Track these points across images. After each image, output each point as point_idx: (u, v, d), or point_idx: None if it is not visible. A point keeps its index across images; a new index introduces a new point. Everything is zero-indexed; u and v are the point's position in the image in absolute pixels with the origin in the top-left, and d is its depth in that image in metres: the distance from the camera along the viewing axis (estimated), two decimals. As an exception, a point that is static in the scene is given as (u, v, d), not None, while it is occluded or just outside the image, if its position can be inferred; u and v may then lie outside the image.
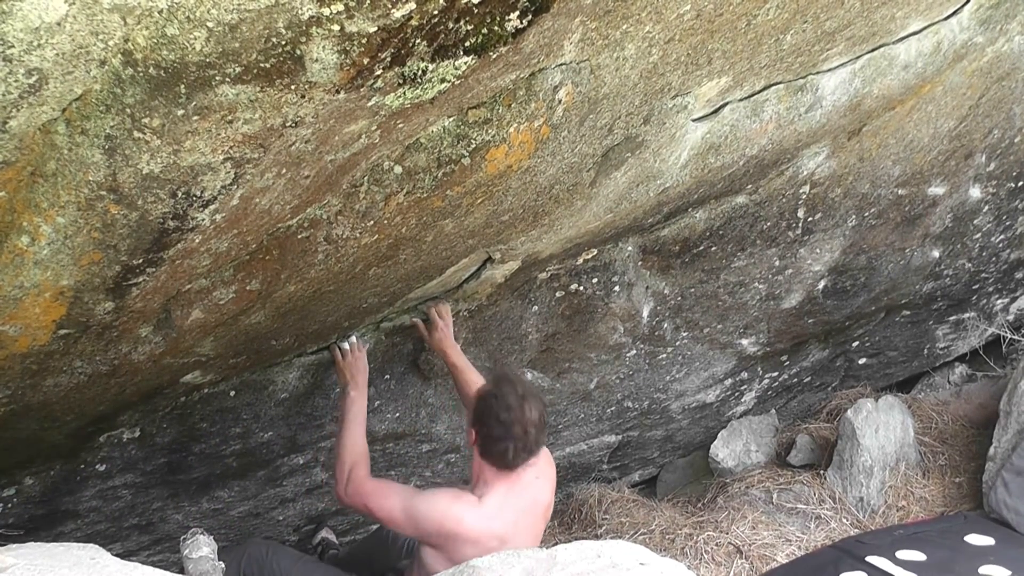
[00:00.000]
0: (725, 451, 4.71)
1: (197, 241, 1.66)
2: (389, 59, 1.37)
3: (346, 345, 2.79)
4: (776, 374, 4.51)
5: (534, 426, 2.38)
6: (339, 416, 2.72)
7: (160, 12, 1.16)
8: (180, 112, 1.29)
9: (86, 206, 1.42)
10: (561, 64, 1.83)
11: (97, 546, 1.67)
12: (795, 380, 4.67)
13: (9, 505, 2.69)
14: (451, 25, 1.39)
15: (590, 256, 3.20)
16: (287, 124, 1.41)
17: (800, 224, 3.45)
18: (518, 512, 2.50)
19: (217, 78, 1.25)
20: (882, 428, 4.40)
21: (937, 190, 3.66)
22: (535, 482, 2.52)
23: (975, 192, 3.81)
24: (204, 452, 2.96)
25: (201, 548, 2.39)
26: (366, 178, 1.89)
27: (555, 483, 2.67)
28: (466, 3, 1.35)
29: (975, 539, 3.65)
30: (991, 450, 4.09)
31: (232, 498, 3.32)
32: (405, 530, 2.53)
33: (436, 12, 1.32)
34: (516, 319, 3.25)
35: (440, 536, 2.44)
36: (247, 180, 1.53)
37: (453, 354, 2.90)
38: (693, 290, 3.54)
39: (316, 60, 1.28)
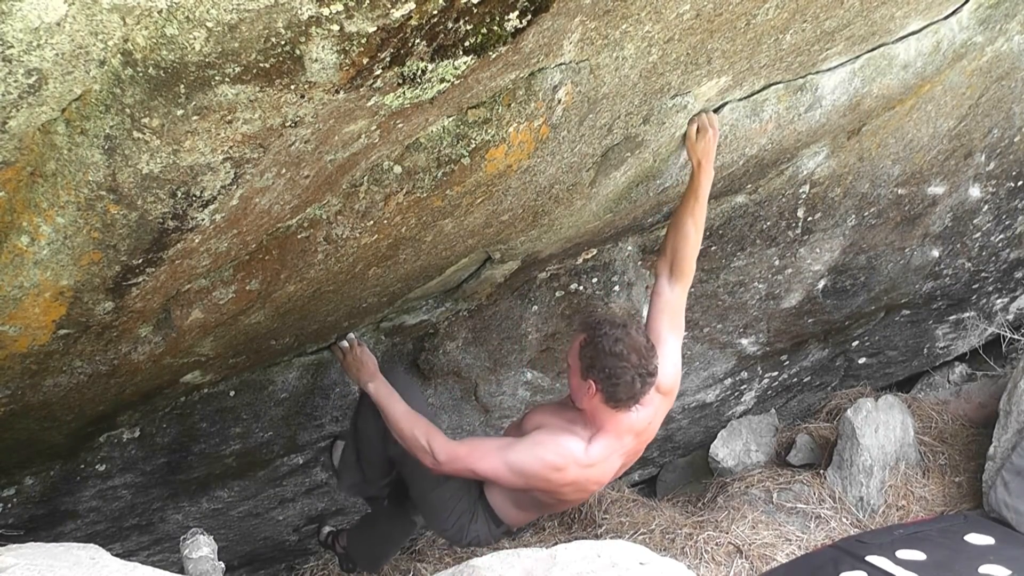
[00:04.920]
0: (725, 451, 4.71)
1: (197, 241, 1.66)
2: (388, 59, 1.37)
3: (345, 344, 2.79)
4: (776, 374, 4.51)
5: (646, 349, 2.31)
6: (378, 406, 2.64)
7: (160, 12, 1.16)
8: (180, 112, 1.29)
9: (86, 206, 1.42)
10: (561, 64, 1.83)
11: (97, 546, 1.67)
12: (795, 380, 4.67)
13: (9, 505, 2.69)
14: (450, 25, 1.39)
15: (590, 256, 3.20)
16: (287, 124, 1.41)
17: (800, 224, 3.45)
18: (624, 454, 2.50)
19: (216, 78, 1.25)
20: (882, 428, 4.41)
21: (937, 190, 3.66)
22: (642, 412, 2.45)
23: (975, 191, 3.82)
24: (204, 452, 2.96)
25: (201, 548, 2.39)
26: (366, 178, 1.89)
27: (667, 399, 2.55)
28: (465, 3, 1.35)
29: (975, 538, 3.65)
30: (991, 449, 4.09)
31: (232, 498, 3.33)
32: (513, 484, 2.49)
33: (435, 12, 1.32)
34: (516, 319, 3.25)
35: (545, 482, 2.44)
36: (247, 180, 1.53)
37: (706, 169, 2.50)
38: (693, 289, 3.53)
39: (315, 60, 1.28)
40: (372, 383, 2.66)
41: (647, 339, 2.34)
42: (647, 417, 2.48)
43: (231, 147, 1.40)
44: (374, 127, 1.61)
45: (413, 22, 1.30)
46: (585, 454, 2.41)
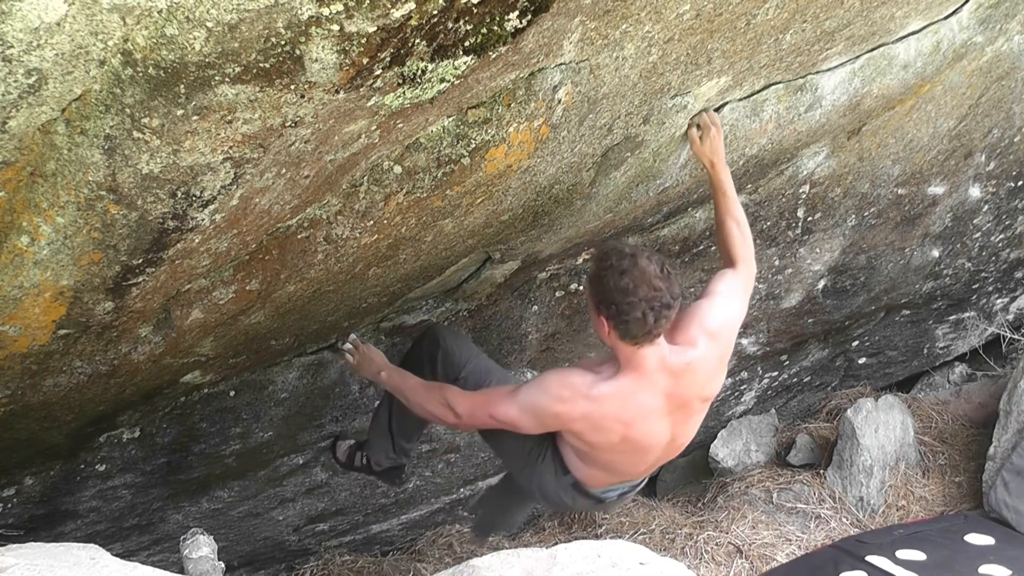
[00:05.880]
0: (725, 451, 4.71)
1: (196, 241, 1.66)
2: (388, 59, 1.37)
3: (349, 345, 2.79)
4: (776, 374, 4.51)
5: (659, 278, 2.10)
6: (394, 391, 2.62)
7: (159, 12, 1.16)
8: (180, 112, 1.29)
9: (86, 206, 1.42)
10: (561, 64, 1.83)
11: (97, 546, 1.67)
12: (795, 380, 4.67)
13: (9, 505, 2.69)
14: (451, 25, 1.39)
15: (590, 256, 3.20)
16: (287, 124, 1.41)
17: (800, 224, 3.45)
18: (661, 395, 2.30)
19: (216, 78, 1.25)
20: (882, 428, 4.41)
21: (937, 190, 3.66)
22: (680, 352, 2.27)
23: (975, 191, 3.82)
24: (204, 452, 2.96)
25: (201, 548, 2.40)
26: (366, 178, 1.89)
27: (716, 344, 2.33)
28: (465, 3, 1.35)
29: (975, 538, 3.66)
30: (991, 449, 4.10)
31: (232, 498, 3.33)
32: (530, 429, 2.38)
33: (436, 12, 1.32)
34: (516, 319, 3.25)
35: (555, 418, 2.32)
36: (247, 180, 1.53)
37: (720, 167, 2.47)
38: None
39: (315, 60, 1.28)
40: (384, 371, 2.64)
41: (661, 266, 2.12)
42: (686, 359, 2.27)
43: (231, 147, 1.40)
44: (374, 127, 1.61)
45: (413, 22, 1.30)
46: (592, 386, 2.27)
